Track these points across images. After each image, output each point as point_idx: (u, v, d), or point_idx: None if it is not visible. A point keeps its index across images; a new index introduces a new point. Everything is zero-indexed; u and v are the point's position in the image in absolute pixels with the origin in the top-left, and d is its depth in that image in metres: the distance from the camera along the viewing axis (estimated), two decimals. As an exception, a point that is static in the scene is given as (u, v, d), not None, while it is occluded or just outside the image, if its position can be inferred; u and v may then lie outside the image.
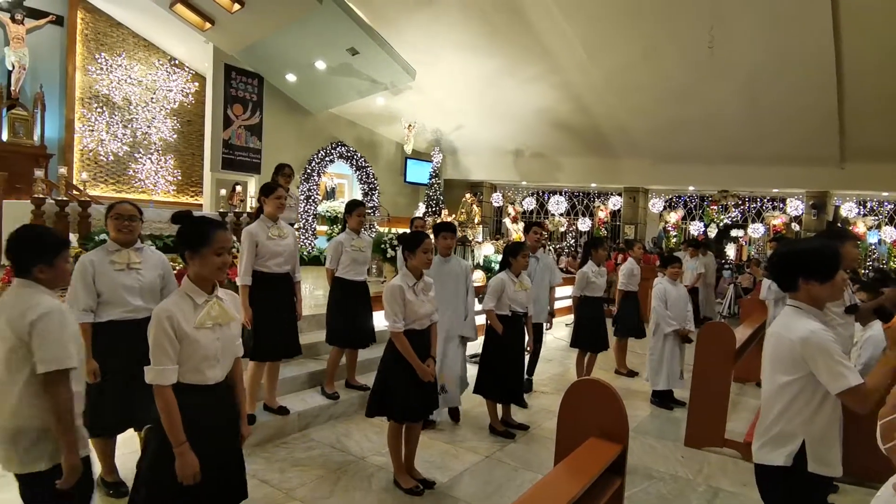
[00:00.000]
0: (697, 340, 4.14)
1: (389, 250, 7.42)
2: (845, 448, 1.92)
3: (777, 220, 12.39)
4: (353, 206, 4.43)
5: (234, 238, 5.51)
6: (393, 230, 8.57)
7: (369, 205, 12.39)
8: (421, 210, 12.45)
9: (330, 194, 12.54)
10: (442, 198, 12.98)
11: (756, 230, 12.48)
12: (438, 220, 9.59)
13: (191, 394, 1.91)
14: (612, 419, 2.16)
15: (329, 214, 11.66)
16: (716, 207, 12.99)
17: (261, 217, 3.76)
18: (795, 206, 11.93)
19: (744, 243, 13.27)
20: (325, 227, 11.48)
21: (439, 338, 3.59)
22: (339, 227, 11.11)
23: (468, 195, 10.97)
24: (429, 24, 8.70)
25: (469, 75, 10.04)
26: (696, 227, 12.98)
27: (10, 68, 8.78)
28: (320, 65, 9.62)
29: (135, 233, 2.85)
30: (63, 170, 5.77)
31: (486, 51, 9.17)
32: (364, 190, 12.44)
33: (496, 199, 14.17)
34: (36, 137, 8.98)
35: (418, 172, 13.73)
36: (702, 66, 8.20)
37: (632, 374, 6.06)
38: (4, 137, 8.64)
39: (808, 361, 1.80)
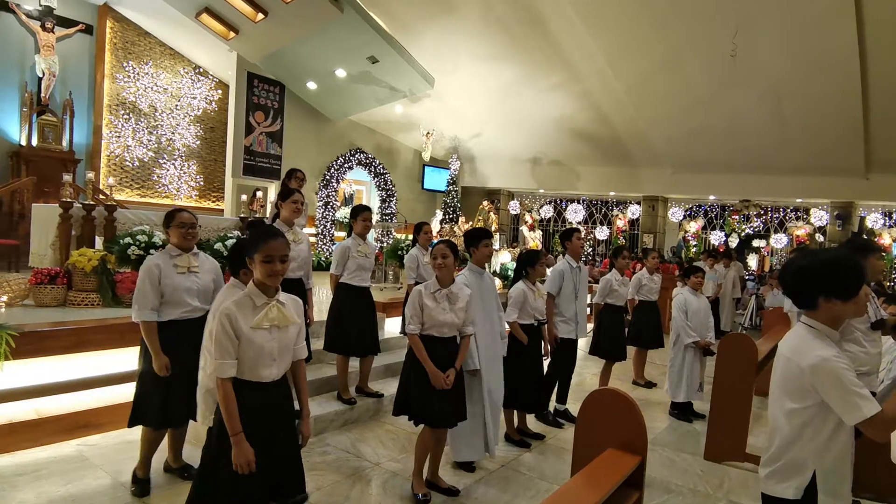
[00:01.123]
0: (718, 352, 4.08)
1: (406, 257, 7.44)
2: (857, 464, 1.81)
3: (801, 231, 12.17)
4: (357, 210, 4.36)
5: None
6: (410, 237, 8.61)
7: (387, 211, 12.48)
8: (438, 217, 12.49)
9: (348, 200, 12.65)
10: (459, 205, 13.00)
11: (779, 240, 12.27)
12: (467, 227, 9.62)
13: (248, 390, 2.03)
14: (631, 430, 2.14)
15: (347, 221, 11.76)
16: (737, 217, 12.81)
17: (276, 221, 3.80)
18: (820, 217, 11.71)
19: (766, 254, 13.06)
20: (342, 234, 11.58)
21: (485, 368, 3.49)
22: (347, 232, 11.20)
23: (485, 202, 11.00)
24: (448, 32, 8.77)
25: (488, 84, 10.08)
26: (716, 237, 12.80)
27: (41, 75, 9.05)
28: (340, 73, 9.74)
29: (195, 239, 3.04)
30: (90, 175, 5.92)
31: (505, 60, 9.20)
32: (382, 196, 12.53)
33: (513, 206, 14.16)
34: (65, 143, 9.23)
35: (436, 179, 13.79)
36: (724, 74, 8.12)
37: (650, 384, 5.99)
38: (34, 142, 8.88)
39: (818, 390, 1.65)
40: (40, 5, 9.06)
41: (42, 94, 9.06)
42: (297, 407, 2.25)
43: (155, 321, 2.86)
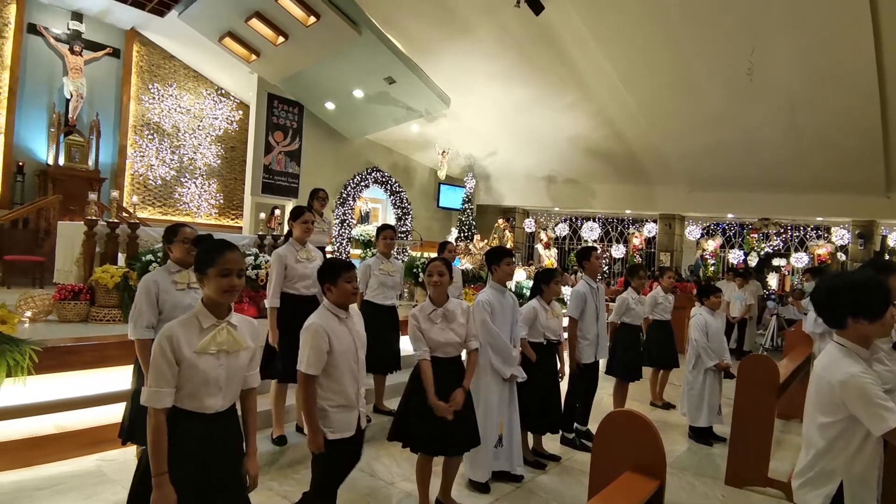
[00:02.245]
0: (739, 374, 4.00)
1: (421, 275, 7.47)
2: (887, 480, 1.88)
3: (822, 250, 11.96)
4: (380, 229, 4.48)
5: (268, 257, 5.64)
6: (425, 254, 8.64)
7: (402, 229, 12.55)
8: (453, 235, 12.53)
9: (364, 218, 12.76)
10: (474, 223, 13.04)
11: (799, 259, 12.07)
12: (482, 245, 9.63)
13: (189, 421, 1.84)
14: (649, 453, 2.11)
15: (363, 238, 11.86)
16: (756, 235, 12.65)
17: (289, 240, 3.81)
18: (841, 236, 11.51)
19: (786, 273, 12.84)
20: (358, 251, 11.66)
21: (494, 385, 3.51)
22: (372, 251, 11.26)
23: (500, 221, 11.03)
24: (464, 53, 8.90)
25: (503, 103, 10.17)
26: (735, 256, 12.64)
27: (69, 97, 9.35)
28: (358, 93, 9.91)
29: None
30: (115, 193, 6.08)
31: (519, 79, 9.29)
32: (397, 214, 12.62)
33: (528, 224, 14.15)
34: (91, 162, 9.49)
35: (451, 198, 13.86)
36: (738, 89, 8.10)
37: (668, 406, 5.88)
38: (61, 162, 9.15)
39: (847, 404, 1.77)
40: (69, 29, 9.41)
41: (70, 116, 9.35)
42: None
43: (150, 339, 2.75)
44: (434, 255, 8.95)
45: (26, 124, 9.09)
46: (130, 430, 2.91)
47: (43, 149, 9.23)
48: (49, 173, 8.97)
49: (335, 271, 2.43)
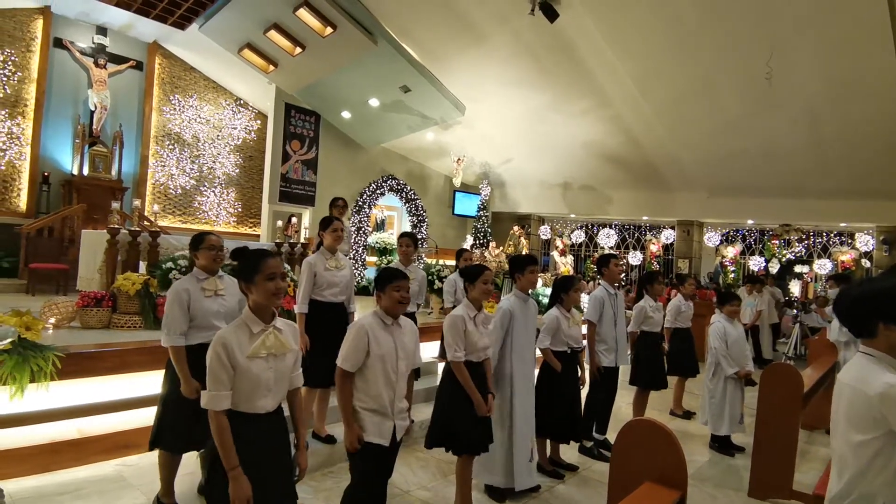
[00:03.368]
0: (761, 383, 3.92)
1: (437, 282, 7.47)
2: None
3: (846, 256, 11.71)
4: (399, 237, 4.56)
5: (288, 266, 5.70)
6: (441, 262, 8.64)
7: (417, 237, 12.58)
8: (469, 242, 12.52)
9: (380, 226, 12.83)
10: (490, 230, 13.03)
11: (822, 266, 11.82)
12: (497, 252, 9.62)
13: (242, 422, 1.96)
14: (670, 463, 2.07)
15: (379, 246, 11.92)
16: (777, 242, 12.43)
17: (320, 249, 3.91)
18: (865, 242, 11.26)
19: (809, 280, 12.59)
20: (374, 258, 11.71)
21: (522, 394, 3.51)
22: (388, 258, 11.31)
23: (516, 228, 10.99)
24: (479, 61, 8.93)
25: (517, 110, 10.18)
26: (755, 262, 12.43)
27: (93, 109, 9.58)
28: (374, 102, 10.00)
29: (223, 261, 3.04)
30: (137, 202, 6.19)
31: (534, 87, 9.29)
32: (413, 222, 12.66)
33: (544, 231, 14.10)
34: (114, 172, 9.69)
35: (466, 205, 13.87)
36: (757, 96, 8.01)
37: (688, 414, 5.78)
38: (85, 172, 9.36)
39: (888, 418, 1.63)
40: (94, 43, 9.66)
41: (94, 127, 9.58)
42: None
43: (183, 345, 2.85)
44: (451, 262, 8.95)
45: (52, 135, 9.33)
46: (157, 436, 2.94)
47: (68, 159, 9.46)
48: (74, 183, 9.18)
49: (385, 280, 2.51)
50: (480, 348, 3.09)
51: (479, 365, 3.11)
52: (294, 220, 10.83)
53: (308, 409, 3.88)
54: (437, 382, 3.28)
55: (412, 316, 4.45)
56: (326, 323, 3.77)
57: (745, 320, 8.75)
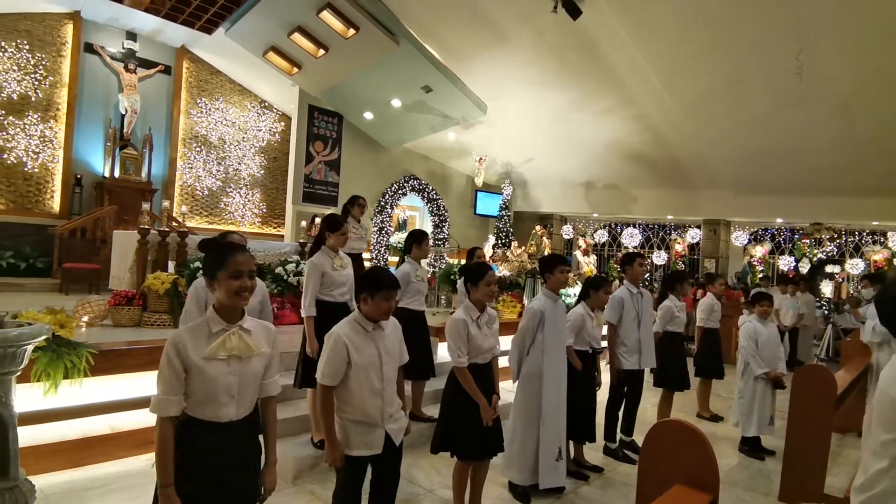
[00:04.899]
0: (793, 385, 3.82)
1: (459, 281, 7.46)
2: None
3: (878, 255, 11.34)
4: (420, 237, 4.42)
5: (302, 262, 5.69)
6: (462, 261, 8.63)
7: (439, 237, 12.60)
8: (490, 242, 12.49)
9: (402, 226, 12.87)
10: (511, 230, 12.97)
11: (855, 266, 11.46)
12: (520, 252, 9.57)
13: (202, 430, 1.77)
14: (701, 466, 2.02)
15: (400, 246, 11.95)
16: (808, 241, 12.10)
17: (322, 248, 3.77)
18: (899, 240, 10.90)
19: (841, 280, 12.22)
20: (396, 258, 11.76)
21: (552, 393, 3.48)
22: (400, 258, 11.33)
23: (538, 227, 10.92)
24: (501, 61, 8.90)
25: (540, 109, 10.10)
26: (785, 262, 12.12)
27: (124, 112, 9.83)
28: (396, 102, 10.04)
29: None
30: (166, 203, 6.34)
31: (557, 85, 9.22)
32: (435, 222, 12.68)
33: (566, 231, 13.97)
34: (144, 174, 9.93)
35: (488, 205, 13.83)
36: (787, 91, 7.80)
37: (716, 418, 5.66)
38: (117, 174, 9.61)
39: None
40: (123, 48, 9.90)
41: (125, 130, 9.83)
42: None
43: None
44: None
45: (84, 139, 9.60)
46: None
47: (100, 162, 9.72)
48: (105, 185, 9.43)
49: (377, 286, 2.29)
50: (486, 350, 2.98)
51: (485, 366, 3.02)
52: (317, 220, 10.93)
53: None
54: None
55: (421, 315, 4.41)
56: (334, 323, 3.75)
57: (786, 322, 8.56)
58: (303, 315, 3.62)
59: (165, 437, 1.73)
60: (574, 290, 8.23)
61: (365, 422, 2.29)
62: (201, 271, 4.78)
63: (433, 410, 4.65)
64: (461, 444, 2.94)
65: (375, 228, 11.48)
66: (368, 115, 10.76)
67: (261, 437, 1.96)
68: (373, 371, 2.29)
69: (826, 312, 10.37)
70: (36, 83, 9.18)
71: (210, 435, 1.77)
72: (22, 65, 9.04)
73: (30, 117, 9.10)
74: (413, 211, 13.38)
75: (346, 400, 2.29)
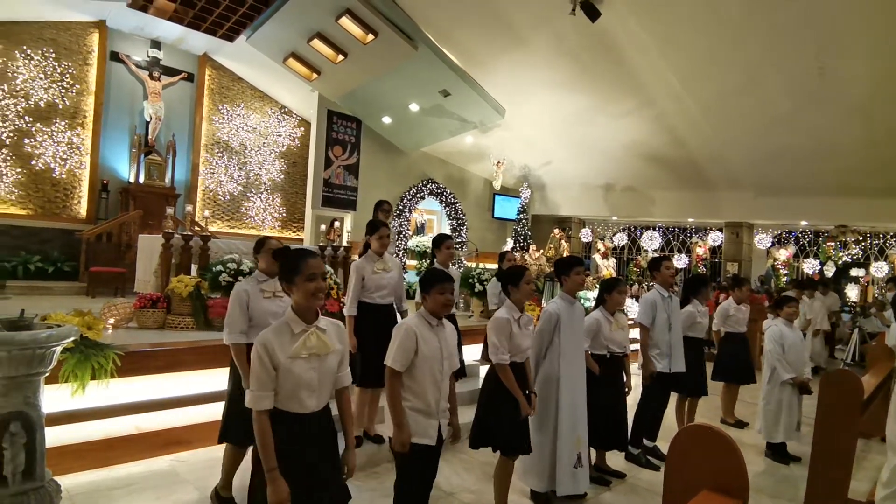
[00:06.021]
0: (820, 390, 3.74)
1: (478, 285, 7.46)
2: None
3: (905, 258, 11.07)
4: (441, 239, 4.55)
5: (330, 269, 5.80)
6: (481, 265, 8.62)
7: (457, 240, 12.61)
8: (509, 245, 12.46)
9: (420, 230, 12.91)
10: (530, 233, 12.92)
11: (880, 269, 11.19)
12: (538, 255, 9.55)
13: (288, 422, 1.97)
14: (730, 472, 1.99)
15: (419, 249, 11.99)
16: (833, 244, 11.85)
17: (367, 252, 3.98)
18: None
19: (866, 283, 11.94)
20: (414, 262, 11.79)
21: (569, 398, 3.47)
22: (428, 261, 11.35)
23: (556, 230, 10.87)
24: (519, 64, 8.89)
25: (558, 112, 10.07)
26: (810, 266, 11.87)
27: (148, 119, 10.03)
28: (414, 107, 10.09)
29: None
30: (189, 208, 6.43)
31: (575, 88, 9.18)
32: (452, 225, 12.70)
33: (585, 234, 13.88)
34: (167, 180, 10.12)
35: (506, 208, 13.81)
36: (808, 90, 7.67)
37: (740, 424, 5.55)
38: (141, 180, 9.81)
39: None
40: (148, 56, 10.12)
41: (149, 137, 10.03)
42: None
43: (244, 343, 2.96)
44: (490, 265, 8.92)
45: (110, 145, 9.82)
46: (224, 430, 3.06)
47: (125, 168, 9.93)
48: (130, 190, 9.63)
49: (430, 282, 2.55)
50: (523, 349, 3.11)
51: (521, 365, 3.13)
52: (336, 224, 11.00)
53: (360, 409, 3.93)
54: (480, 385, 3.27)
55: (452, 318, 4.47)
56: (376, 324, 3.82)
57: (822, 326, 8.41)
58: (345, 314, 3.86)
59: (264, 428, 1.93)
60: (593, 294, 8.16)
61: (424, 410, 2.47)
62: (223, 275, 4.89)
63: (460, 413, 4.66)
64: (502, 438, 3.02)
65: (394, 232, 11.53)
66: (387, 120, 10.83)
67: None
68: (436, 363, 2.49)
69: (854, 316, 10.13)
70: (63, 91, 9.41)
71: (295, 425, 1.98)
72: (49, 73, 9.27)
73: (57, 124, 9.34)
74: (431, 215, 13.41)
75: (410, 388, 2.47)
